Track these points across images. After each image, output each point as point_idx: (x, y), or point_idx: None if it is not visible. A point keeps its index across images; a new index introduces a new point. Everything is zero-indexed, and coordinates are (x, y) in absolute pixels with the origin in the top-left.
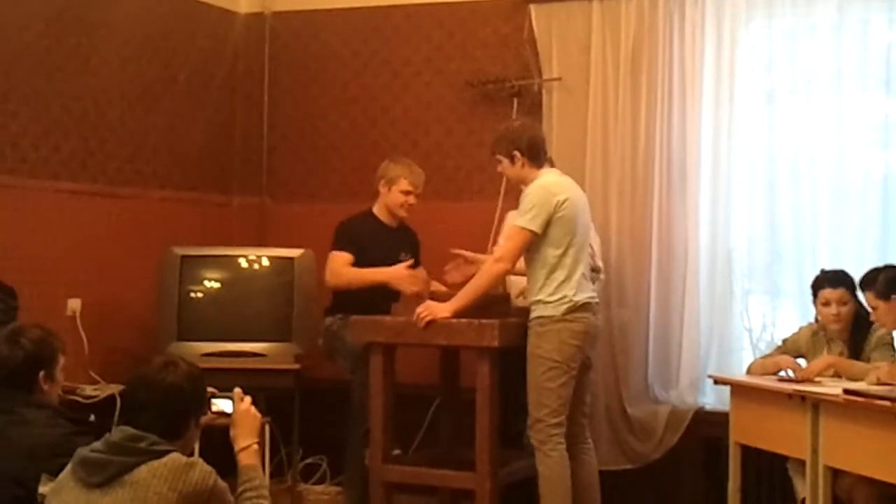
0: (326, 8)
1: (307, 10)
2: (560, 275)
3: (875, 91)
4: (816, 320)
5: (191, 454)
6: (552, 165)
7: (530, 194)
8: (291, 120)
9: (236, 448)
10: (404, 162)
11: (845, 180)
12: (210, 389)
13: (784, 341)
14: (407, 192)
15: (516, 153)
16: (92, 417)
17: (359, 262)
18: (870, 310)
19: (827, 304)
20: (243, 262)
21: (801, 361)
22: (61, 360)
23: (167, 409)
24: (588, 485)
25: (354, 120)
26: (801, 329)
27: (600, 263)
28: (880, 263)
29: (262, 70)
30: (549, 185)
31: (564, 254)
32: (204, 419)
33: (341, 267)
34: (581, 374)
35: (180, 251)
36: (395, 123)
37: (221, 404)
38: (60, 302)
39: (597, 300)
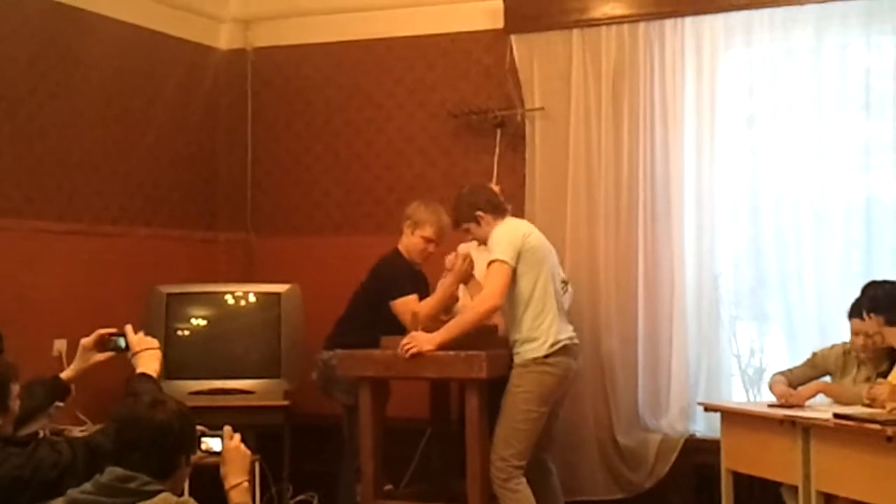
0: (308, 43)
1: (289, 45)
2: (536, 307)
3: (855, 115)
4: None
5: (181, 493)
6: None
7: (495, 234)
8: (275, 155)
9: (226, 486)
10: (434, 208)
11: (828, 204)
12: (199, 427)
13: (814, 354)
14: (428, 240)
15: (479, 213)
16: (41, 434)
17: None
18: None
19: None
20: (230, 299)
21: (828, 378)
22: (15, 389)
23: (158, 448)
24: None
25: (338, 153)
26: (833, 346)
27: (564, 275)
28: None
29: (245, 106)
30: (510, 223)
31: (536, 285)
32: (194, 457)
33: (416, 306)
34: (548, 422)
35: (166, 289)
36: (379, 156)
37: (210, 442)
38: (47, 343)
39: (576, 341)
